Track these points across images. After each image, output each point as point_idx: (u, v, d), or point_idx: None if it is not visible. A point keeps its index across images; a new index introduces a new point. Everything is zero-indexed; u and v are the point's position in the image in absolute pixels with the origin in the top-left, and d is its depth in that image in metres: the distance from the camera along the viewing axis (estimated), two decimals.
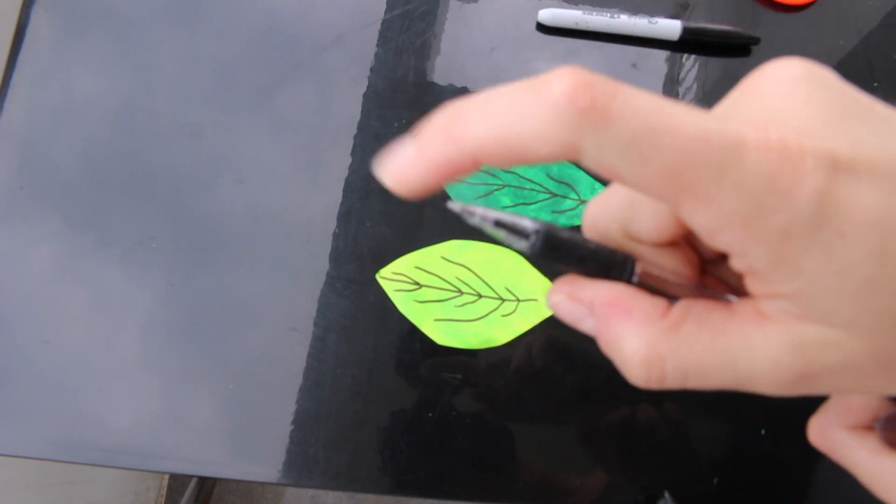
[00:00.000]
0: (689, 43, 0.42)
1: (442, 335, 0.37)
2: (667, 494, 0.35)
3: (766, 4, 0.43)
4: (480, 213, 0.15)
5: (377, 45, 0.41)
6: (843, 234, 0.12)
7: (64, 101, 0.39)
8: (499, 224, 0.15)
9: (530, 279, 0.38)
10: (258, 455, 0.36)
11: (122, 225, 0.38)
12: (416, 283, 0.38)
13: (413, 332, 0.37)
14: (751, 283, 0.14)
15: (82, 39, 0.40)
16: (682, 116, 0.12)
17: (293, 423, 0.36)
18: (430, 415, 0.36)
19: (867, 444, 0.17)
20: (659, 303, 0.15)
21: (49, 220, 0.38)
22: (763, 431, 0.36)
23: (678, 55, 0.42)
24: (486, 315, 0.37)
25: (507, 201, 0.39)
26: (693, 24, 0.41)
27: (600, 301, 0.15)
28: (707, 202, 0.12)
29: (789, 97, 0.13)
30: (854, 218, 0.12)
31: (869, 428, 0.17)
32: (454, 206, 0.15)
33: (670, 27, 0.41)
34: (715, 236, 0.13)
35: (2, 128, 0.39)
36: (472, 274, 0.38)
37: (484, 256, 0.38)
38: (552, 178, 0.39)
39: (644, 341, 0.14)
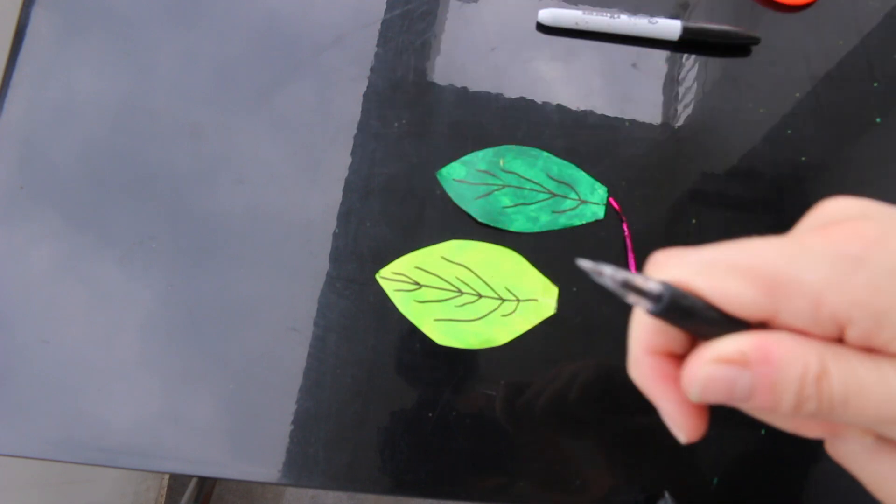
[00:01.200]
0: (689, 43, 0.42)
1: (442, 335, 0.37)
2: (667, 494, 0.35)
3: (766, 4, 0.43)
4: (609, 274, 0.15)
5: (377, 45, 0.41)
6: None
7: (64, 101, 0.39)
8: (626, 286, 0.15)
9: (530, 279, 0.38)
10: (258, 455, 0.36)
11: (122, 225, 0.38)
12: (416, 283, 0.38)
13: (413, 332, 0.37)
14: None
15: (82, 39, 0.40)
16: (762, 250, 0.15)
17: (293, 423, 0.36)
18: (430, 415, 0.36)
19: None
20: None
21: (49, 220, 0.38)
22: (763, 431, 0.36)
23: (678, 55, 0.42)
24: (486, 315, 0.37)
25: (507, 201, 0.39)
26: (693, 24, 0.41)
27: (753, 345, 0.14)
28: (797, 288, 0.14)
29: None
30: None
31: None
32: (585, 264, 0.15)
33: (670, 27, 0.41)
34: (819, 314, 0.14)
35: (2, 128, 0.39)
36: (472, 274, 0.38)
37: (484, 256, 0.38)
38: (552, 178, 0.39)
39: (812, 355, 0.14)
